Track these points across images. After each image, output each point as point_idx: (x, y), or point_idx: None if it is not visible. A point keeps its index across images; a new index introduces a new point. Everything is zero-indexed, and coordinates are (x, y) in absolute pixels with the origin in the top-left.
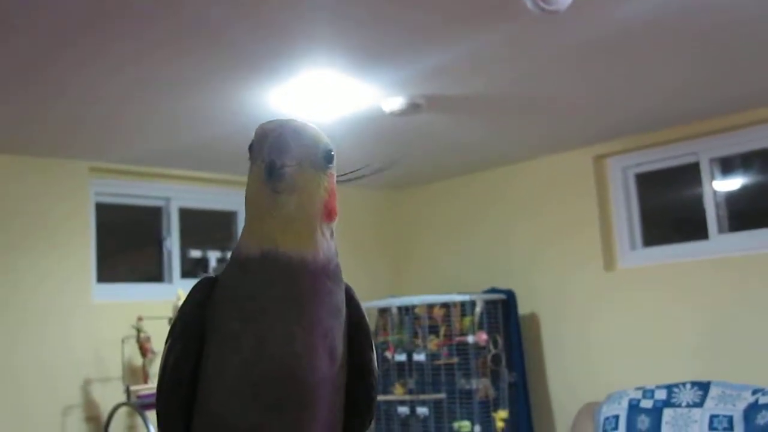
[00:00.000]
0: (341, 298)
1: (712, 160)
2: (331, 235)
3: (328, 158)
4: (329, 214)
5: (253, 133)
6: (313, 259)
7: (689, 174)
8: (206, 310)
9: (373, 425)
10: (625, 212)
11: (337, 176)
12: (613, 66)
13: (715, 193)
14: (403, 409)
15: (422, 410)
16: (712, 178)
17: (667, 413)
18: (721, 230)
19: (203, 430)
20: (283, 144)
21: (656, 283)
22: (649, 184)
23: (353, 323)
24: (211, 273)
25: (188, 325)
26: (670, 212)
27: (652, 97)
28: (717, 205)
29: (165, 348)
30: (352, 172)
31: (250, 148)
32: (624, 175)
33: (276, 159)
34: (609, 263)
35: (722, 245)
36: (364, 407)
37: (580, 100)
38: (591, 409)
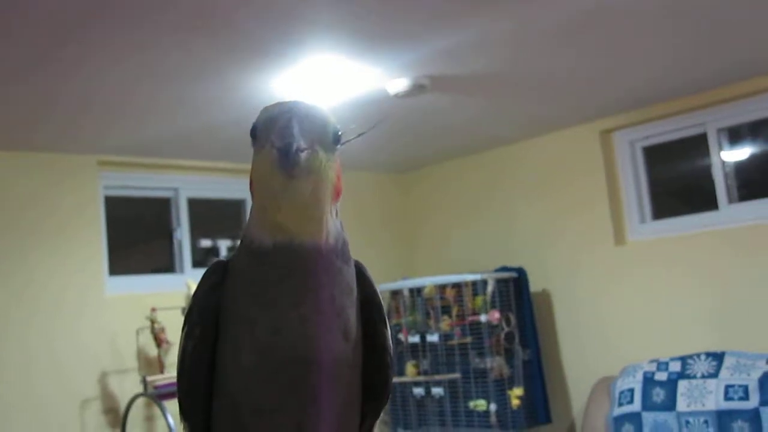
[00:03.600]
0: (351, 274)
1: (719, 130)
2: (336, 213)
3: (337, 139)
4: (336, 194)
5: (257, 117)
6: (324, 243)
7: (697, 145)
8: (220, 295)
9: (388, 407)
10: (633, 186)
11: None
12: (616, 38)
13: (723, 163)
14: (419, 390)
15: (437, 390)
16: (720, 148)
17: (682, 385)
18: (730, 200)
19: (223, 413)
20: (295, 127)
21: (667, 256)
22: (657, 156)
23: (365, 299)
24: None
25: (204, 310)
26: (678, 184)
27: (656, 69)
28: (726, 175)
29: (183, 334)
30: (351, 138)
31: (253, 133)
32: (631, 148)
33: (291, 142)
34: (619, 237)
35: (732, 215)
36: (380, 386)
37: (584, 75)
38: (606, 384)
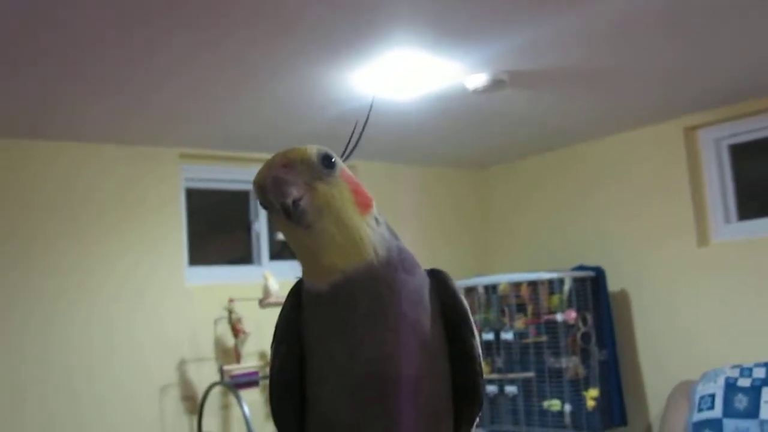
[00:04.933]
0: (420, 283)
1: None
2: (378, 222)
3: (327, 163)
4: (364, 206)
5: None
6: (377, 260)
7: None
8: (301, 315)
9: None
10: (718, 185)
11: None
12: (702, 32)
13: None
14: (492, 388)
15: (511, 389)
16: None
17: (767, 392)
18: None
19: (314, 425)
20: (280, 184)
21: (752, 258)
22: (744, 155)
23: (449, 309)
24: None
25: (288, 329)
26: (765, 184)
27: (744, 65)
28: None
29: (271, 352)
30: (347, 151)
31: (261, 204)
32: (717, 146)
33: (284, 200)
34: (702, 238)
35: None
36: (471, 393)
37: (668, 70)
38: (685, 388)
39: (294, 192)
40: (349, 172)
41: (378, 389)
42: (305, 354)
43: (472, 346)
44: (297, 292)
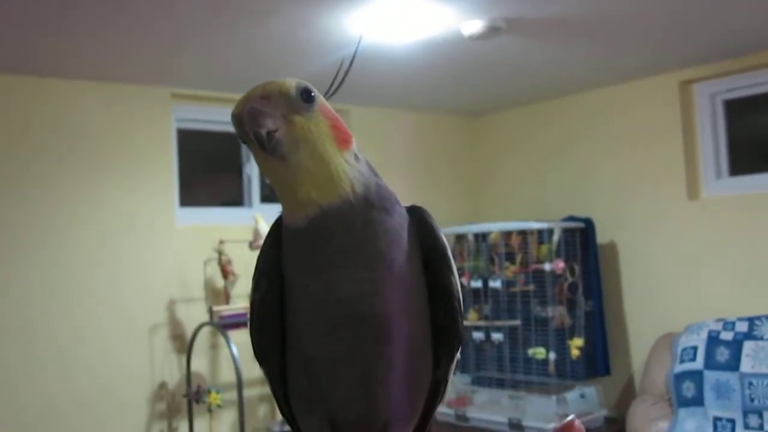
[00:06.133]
0: (398, 219)
1: None
2: (357, 159)
3: (307, 97)
4: (343, 142)
5: None
6: (354, 197)
7: None
8: (280, 250)
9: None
10: (711, 140)
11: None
12: None
13: None
14: (478, 335)
15: (497, 336)
16: None
17: (748, 345)
18: None
19: (295, 361)
20: (256, 115)
21: (741, 213)
22: (738, 110)
23: (428, 246)
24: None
25: (268, 264)
26: (758, 140)
27: (742, 19)
28: None
29: (252, 286)
30: (331, 89)
31: (238, 136)
32: (712, 101)
33: (259, 131)
34: (693, 192)
35: None
36: (450, 331)
37: (666, 23)
38: (668, 340)
39: (269, 123)
40: (329, 107)
41: (353, 326)
42: (285, 289)
43: (450, 283)
44: (278, 226)
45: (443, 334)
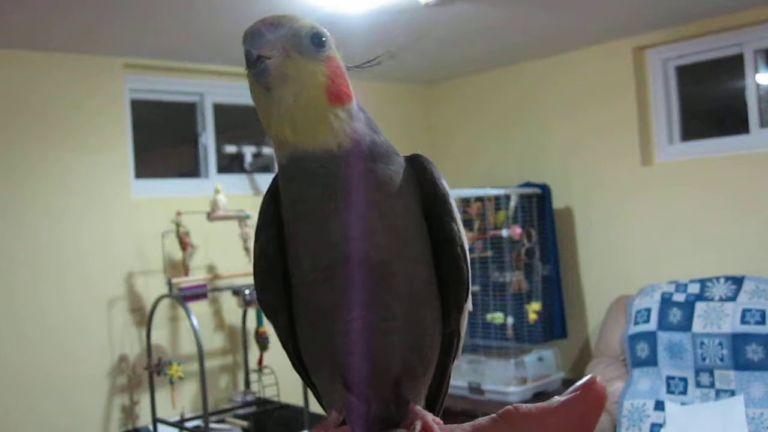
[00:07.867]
0: (393, 169)
1: (756, 52)
2: (351, 116)
3: (318, 42)
4: (339, 98)
5: None
6: (339, 147)
7: (732, 66)
8: (278, 205)
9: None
10: (664, 105)
11: (348, 66)
12: None
13: (758, 86)
14: None
15: None
16: (756, 70)
17: (700, 307)
18: (762, 124)
19: (299, 310)
20: (257, 35)
21: (694, 178)
22: (690, 76)
23: (428, 194)
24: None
25: (266, 215)
26: (710, 106)
27: None
28: (759, 99)
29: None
30: (363, 64)
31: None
32: (664, 67)
33: (251, 50)
34: (646, 157)
35: (763, 139)
36: (456, 280)
37: None
38: (623, 302)
39: (266, 49)
40: (340, 64)
41: (346, 273)
42: (285, 238)
43: (451, 229)
44: (275, 179)
45: (450, 283)
